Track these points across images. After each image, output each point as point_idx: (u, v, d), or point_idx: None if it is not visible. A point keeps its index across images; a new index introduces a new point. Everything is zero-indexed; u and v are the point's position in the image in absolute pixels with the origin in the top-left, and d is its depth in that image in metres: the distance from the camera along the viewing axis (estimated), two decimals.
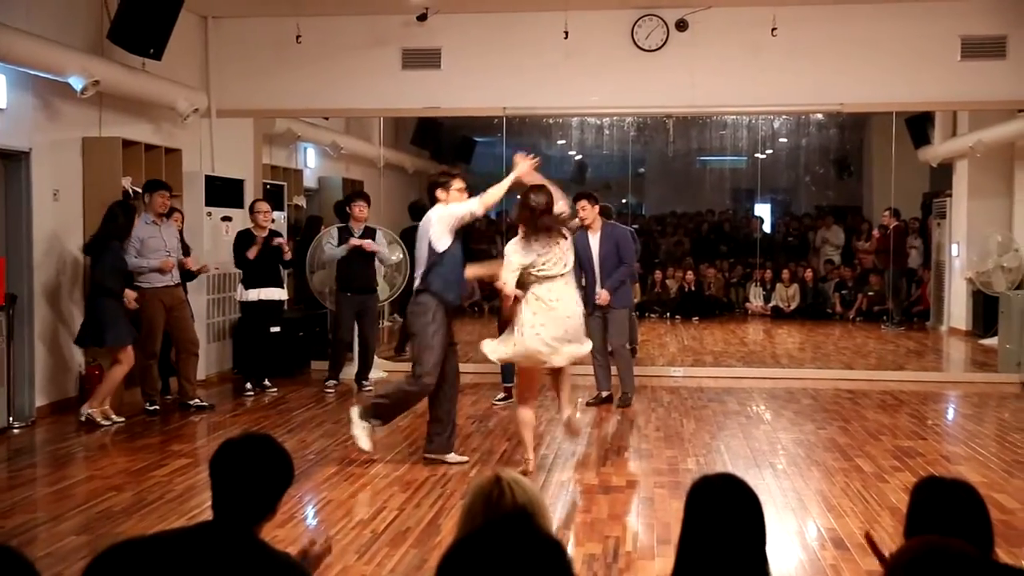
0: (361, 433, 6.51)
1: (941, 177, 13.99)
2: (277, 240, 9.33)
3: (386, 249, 9.81)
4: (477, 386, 9.68)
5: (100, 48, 8.61)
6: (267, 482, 2.51)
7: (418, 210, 11.42)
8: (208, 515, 2.60)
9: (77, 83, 7.93)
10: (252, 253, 9.06)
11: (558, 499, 5.81)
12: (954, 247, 13.23)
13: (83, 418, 7.70)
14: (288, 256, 9.37)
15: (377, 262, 9.82)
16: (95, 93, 8.19)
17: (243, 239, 9.19)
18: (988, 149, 12.12)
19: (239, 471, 2.50)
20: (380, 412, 6.59)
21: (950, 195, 13.48)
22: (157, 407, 8.26)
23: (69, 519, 5.38)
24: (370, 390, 9.42)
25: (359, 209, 9.54)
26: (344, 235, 9.52)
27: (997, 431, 7.86)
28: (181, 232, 8.86)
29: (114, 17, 8.41)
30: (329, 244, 9.74)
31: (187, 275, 8.78)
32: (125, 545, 2.31)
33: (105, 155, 8.58)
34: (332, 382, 9.61)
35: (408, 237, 10.92)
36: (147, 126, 9.49)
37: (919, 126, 13.24)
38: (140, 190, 8.52)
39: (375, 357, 10.00)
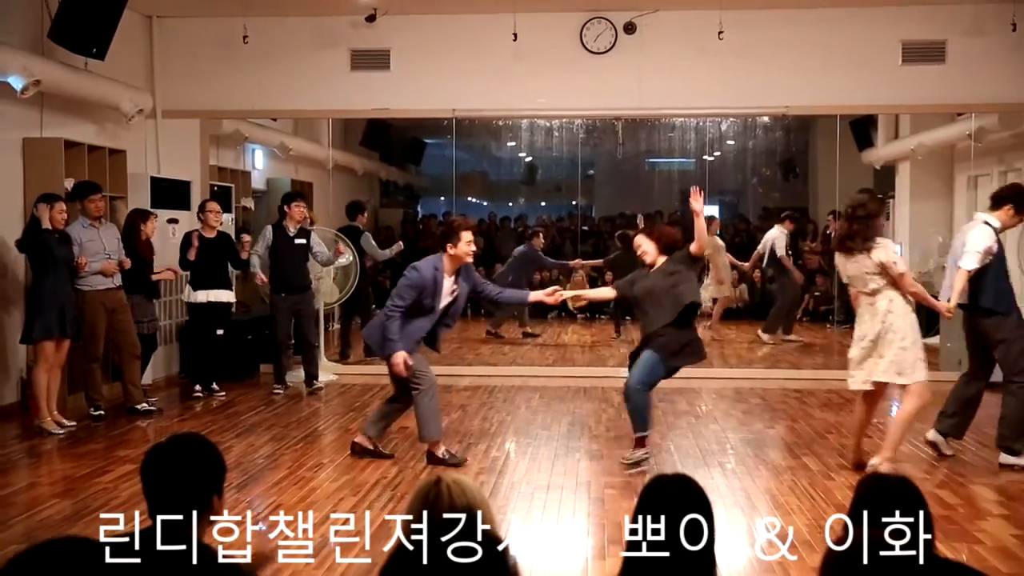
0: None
1: (884, 179, 14.23)
2: (244, 238, 9.32)
3: (324, 248, 9.68)
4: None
5: (41, 47, 8.43)
6: (197, 480, 2.48)
7: (354, 208, 11.33)
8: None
9: (17, 83, 7.76)
10: (192, 255, 8.94)
11: (509, 501, 5.82)
12: (897, 247, 13.44)
13: (37, 431, 7.52)
14: (245, 255, 9.27)
15: (312, 261, 9.66)
16: (36, 93, 8.04)
17: (189, 240, 9.07)
18: (929, 151, 12.36)
19: (168, 473, 2.47)
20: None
21: (893, 197, 13.71)
22: (102, 412, 8.11)
23: (10, 527, 5.26)
24: (320, 388, 9.34)
25: (298, 209, 9.43)
26: (278, 234, 9.39)
27: None
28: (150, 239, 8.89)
29: (55, 16, 8.24)
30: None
31: (151, 286, 8.79)
32: (60, 543, 2.18)
33: (47, 156, 8.40)
34: (279, 386, 9.41)
35: (344, 235, 10.82)
36: (90, 127, 9.32)
37: (862, 129, 13.45)
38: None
39: (323, 359, 9.89)
